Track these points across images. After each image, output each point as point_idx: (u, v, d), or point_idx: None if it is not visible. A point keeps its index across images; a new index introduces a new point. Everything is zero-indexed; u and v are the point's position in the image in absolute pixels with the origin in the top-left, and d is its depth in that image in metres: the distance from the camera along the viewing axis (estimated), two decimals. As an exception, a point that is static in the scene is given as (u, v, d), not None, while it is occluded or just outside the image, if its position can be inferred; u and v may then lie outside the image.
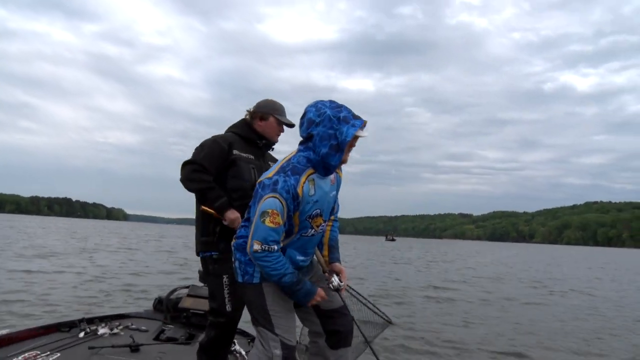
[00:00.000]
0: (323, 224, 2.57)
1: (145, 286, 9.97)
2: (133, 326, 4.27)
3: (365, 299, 3.03)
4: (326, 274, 2.69)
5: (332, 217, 2.79)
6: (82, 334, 3.83)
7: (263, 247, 2.29)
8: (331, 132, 2.35)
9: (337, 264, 2.73)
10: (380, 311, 3.01)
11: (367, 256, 31.79)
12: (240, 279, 2.54)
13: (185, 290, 4.91)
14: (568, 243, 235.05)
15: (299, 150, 2.47)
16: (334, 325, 2.68)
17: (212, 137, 3.11)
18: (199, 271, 5.20)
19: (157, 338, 4.04)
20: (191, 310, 4.53)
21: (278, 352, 2.44)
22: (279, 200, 2.29)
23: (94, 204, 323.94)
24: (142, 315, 4.78)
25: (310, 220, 2.46)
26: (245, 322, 3.31)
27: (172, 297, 4.81)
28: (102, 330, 3.95)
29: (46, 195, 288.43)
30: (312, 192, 2.40)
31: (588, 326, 8.42)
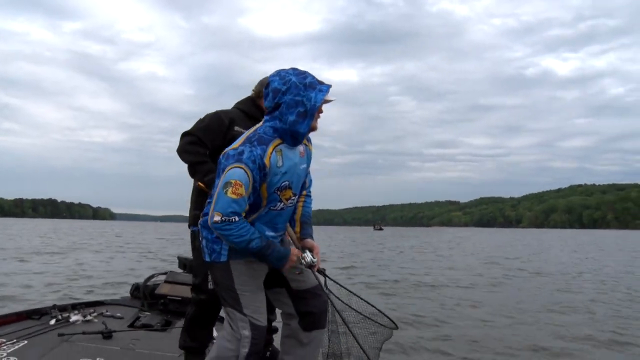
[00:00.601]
0: (293, 198, 2.48)
1: (124, 281, 9.79)
2: (108, 313, 4.19)
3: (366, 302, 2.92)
4: (298, 250, 2.55)
5: (305, 193, 2.70)
6: (53, 322, 3.74)
7: (223, 218, 2.20)
8: (298, 99, 2.27)
9: (309, 239, 2.62)
10: (384, 315, 2.90)
11: (355, 246, 31.86)
12: (207, 258, 2.46)
13: (163, 277, 4.83)
14: (554, 226, 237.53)
15: (265, 121, 2.38)
16: (307, 307, 2.58)
17: (216, 110, 3.04)
18: (178, 257, 5.15)
19: (132, 325, 3.96)
20: (168, 297, 4.46)
21: (247, 332, 2.36)
22: (244, 170, 2.20)
23: (80, 204, 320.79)
24: (118, 303, 4.69)
25: (278, 192, 2.37)
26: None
27: (149, 283, 4.73)
28: (75, 317, 3.87)
29: (30, 197, 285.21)
30: (280, 163, 2.31)
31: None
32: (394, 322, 2.75)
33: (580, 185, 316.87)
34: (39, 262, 14.28)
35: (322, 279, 2.66)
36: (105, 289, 8.97)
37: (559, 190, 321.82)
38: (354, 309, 2.72)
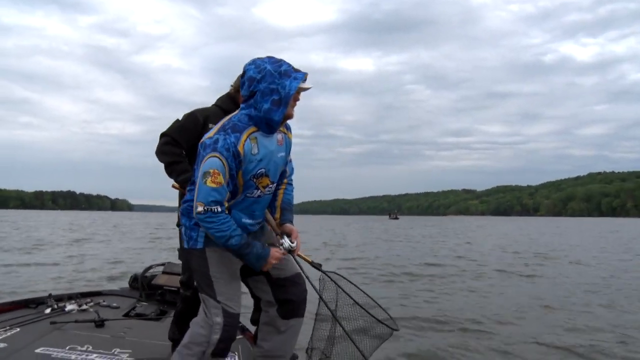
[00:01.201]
0: (271, 186, 2.50)
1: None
2: (104, 303, 4.26)
3: (365, 296, 2.76)
4: (277, 236, 2.60)
5: (286, 181, 2.73)
6: (48, 310, 3.80)
7: (206, 208, 2.24)
8: (273, 87, 2.30)
9: (288, 224, 2.64)
10: (383, 312, 2.84)
11: (368, 235, 31.84)
12: (185, 245, 2.51)
13: (161, 268, 4.90)
14: (572, 215, 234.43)
15: (241, 109, 2.41)
16: (286, 295, 2.63)
17: (192, 110, 3.09)
18: (178, 249, 5.21)
19: (127, 314, 4.02)
20: (165, 287, 4.52)
21: (219, 319, 2.40)
22: (220, 159, 2.24)
23: (98, 196, 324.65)
24: (116, 293, 4.77)
25: (255, 180, 2.40)
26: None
27: (147, 274, 4.80)
28: (70, 306, 3.93)
29: (50, 190, 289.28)
30: (255, 150, 2.34)
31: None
32: (394, 322, 2.71)
33: (599, 173, 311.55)
34: (49, 253, 14.48)
35: (307, 266, 2.67)
36: (112, 279, 9.04)
37: (578, 178, 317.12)
38: (352, 301, 2.66)
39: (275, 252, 2.46)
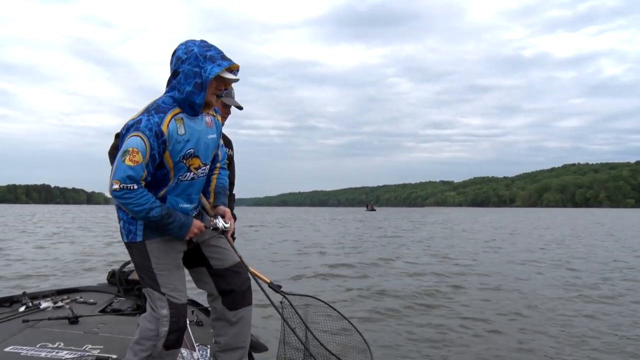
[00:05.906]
0: (203, 167, 2.52)
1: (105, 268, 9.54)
2: (81, 299, 4.21)
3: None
4: (211, 218, 2.61)
5: (219, 165, 2.77)
6: (22, 309, 3.74)
7: (121, 185, 2.24)
8: (196, 70, 2.33)
9: (221, 206, 2.68)
10: (360, 338, 2.72)
11: (342, 227, 31.83)
12: (125, 239, 2.50)
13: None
14: (547, 206, 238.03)
15: (165, 92, 2.43)
16: (228, 285, 2.64)
17: None
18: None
19: (103, 310, 3.98)
20: None
21: (165, 312, 2.40)
22: (141, 138, 2.25)
23: (74, 189, 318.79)
24: (94, 289, 4.71)
25: (184, 161, 2.41)
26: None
27: (125, 269, 4.76)
28: (45, 304, 3.86)
29: (24, 183, 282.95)
30: (181, 130, 2.36)
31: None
32: (371, 353, 2.69)
33: (573, 165, 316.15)
34: (13, 251, 14.06)
35: (235, 250, 2.67)
36: (91, 275, 8.86)
37: (553, 169, 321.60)
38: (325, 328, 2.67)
39: (198, 222, 2.49)
